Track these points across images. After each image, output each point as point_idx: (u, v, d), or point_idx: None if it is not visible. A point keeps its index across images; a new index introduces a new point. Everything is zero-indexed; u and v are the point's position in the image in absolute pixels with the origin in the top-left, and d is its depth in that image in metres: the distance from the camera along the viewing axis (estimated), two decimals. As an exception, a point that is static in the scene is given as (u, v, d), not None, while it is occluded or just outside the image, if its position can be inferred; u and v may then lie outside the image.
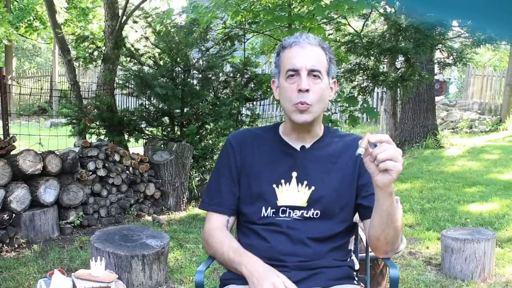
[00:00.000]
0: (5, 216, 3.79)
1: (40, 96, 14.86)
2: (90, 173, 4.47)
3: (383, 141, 1.33)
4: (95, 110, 5.64)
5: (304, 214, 1.58)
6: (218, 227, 1.62)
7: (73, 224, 4.31)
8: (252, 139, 1.67)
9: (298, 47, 1.55)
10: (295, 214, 1.58)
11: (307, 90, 1.51)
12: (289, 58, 1.55)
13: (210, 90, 5.88)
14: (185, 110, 5.69)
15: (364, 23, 6.15)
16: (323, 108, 1.59)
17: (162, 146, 5.45)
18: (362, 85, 5.62)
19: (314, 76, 1.53)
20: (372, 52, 5.37)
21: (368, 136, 1.34)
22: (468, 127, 10.80)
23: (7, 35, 12.09)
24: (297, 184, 1.59)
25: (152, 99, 5.80)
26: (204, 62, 5.74)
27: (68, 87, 6.71)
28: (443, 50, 5.77)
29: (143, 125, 5.89)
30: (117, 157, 4.76)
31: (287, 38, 1.61)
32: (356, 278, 1.65)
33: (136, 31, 6.23)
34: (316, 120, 1.58)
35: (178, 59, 5.56)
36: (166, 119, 5.91)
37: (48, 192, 4.10)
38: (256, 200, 1.60)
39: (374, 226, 1.49)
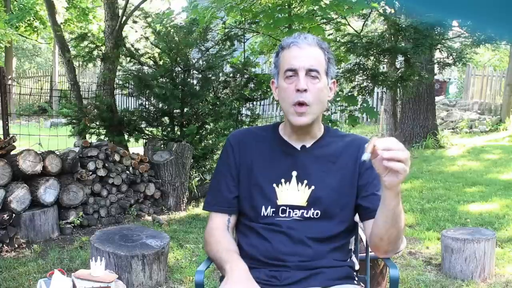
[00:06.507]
0: (5, 216, 3.79)
1: (40, 96, 14.86)
2: (90, 173, 4.47)
3: (390, 148, 1.31)
4: (95, 110, 5.64)
5: (304, 214, 1.57)
6: (219, 228, 1.63)
7: (73, 224, 4.31)
8: (252, 139, 1.67)
9: (296, 47, 1.55)
10: (295, 214, 1.58)
11: (305, 90, 1.51)
12: (288, 58, 1.56)
13: (210, 90, 5.88)
14: (185, 110, 5.69)
15: (363, 23, 6.15)
16: (321, 108, 1.59)
17: (162, 146, 5.45)
18: (361, 85, 5.62)
19: (312, 76, 1.53)
20: (372, 52, 5.37)
21: (374, 141, 1.33)
22: (468, 127, 10.80)
23: (4, 37, 12.05)
24: (297, 184, 1.59)
25: (151, 99, 5.80)
26: (204, 62, 5.74)
27: (68, 87, 6.71)
28: (442, 50, 5.76)
29: (143, 125, 5.89)
30: (117, 157, 4.76)
31: (286, 38, 1.61)
32: (356, 278, 1.65)
33: (136, 31, 6.23)
34: (315, 121, 1.59)
35: (178, 59, 5.56)
36: (166, 119, 5.91)
37: (48, 192, 4.10)
38: (256, 199, 1.60)
39: (378, 225, 1.48)
